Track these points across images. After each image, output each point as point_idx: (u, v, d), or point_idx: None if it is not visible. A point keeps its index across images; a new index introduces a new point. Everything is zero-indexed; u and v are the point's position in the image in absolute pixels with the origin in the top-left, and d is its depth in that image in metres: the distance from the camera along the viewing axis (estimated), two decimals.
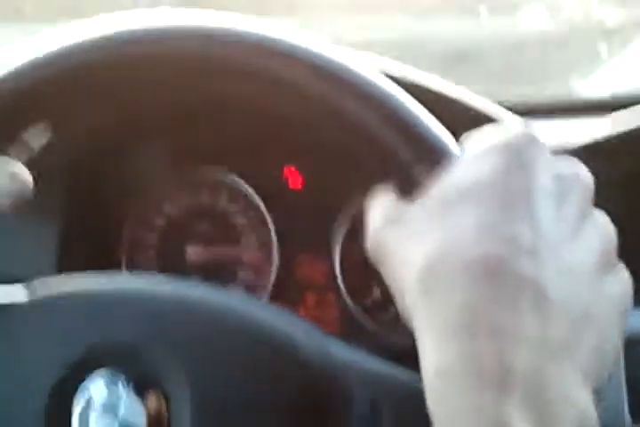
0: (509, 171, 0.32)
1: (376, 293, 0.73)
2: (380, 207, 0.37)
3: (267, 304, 0.46)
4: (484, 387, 0.28)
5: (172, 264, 0.78)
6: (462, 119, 0.50)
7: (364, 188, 0.72)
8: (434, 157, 0.36)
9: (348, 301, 0.74)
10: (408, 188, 0.36)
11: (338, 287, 0.74)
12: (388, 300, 0.71)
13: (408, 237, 0.34)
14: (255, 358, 0.41)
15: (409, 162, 0.37)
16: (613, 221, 0.35)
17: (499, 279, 0.30)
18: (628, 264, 0.35)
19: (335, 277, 0.74)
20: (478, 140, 0.35)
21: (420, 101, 0.39)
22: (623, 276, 0.34)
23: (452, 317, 0.30)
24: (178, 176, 0.78)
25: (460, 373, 0.29)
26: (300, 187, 0.76)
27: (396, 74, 0.64)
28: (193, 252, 0.77)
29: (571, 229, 0.32)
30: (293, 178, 0.76)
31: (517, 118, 0.71)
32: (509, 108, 0.72)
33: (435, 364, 0.30)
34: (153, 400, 0.39)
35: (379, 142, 0.38)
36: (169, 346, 0.40)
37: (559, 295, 0.30)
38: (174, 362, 0.40)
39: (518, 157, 0.33)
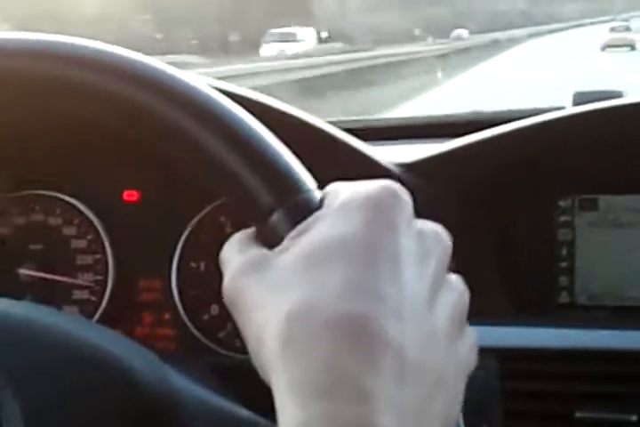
0: (374, 229, 0.32)
1: (213, 310, 0.75)
2: (241, 251, 0.36)
3: (101, 327, 0.45)
4: None
5: (4, 284, 0.76)
6: (309, 141, 0.49)
7: (202, 207, 0.74)
8: (294, 201, 0.35)
9: (185, 318, 0.75)
10: (267, 233, 0.35)
11: (175, 305, 0.75)
12: (224, 317, 0.73)
13: (270, 288, 0.33)
14: (88, 380, 0.40)
15: (268, 206, 0.35)
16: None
17: (362, 339, 0.30)
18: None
19: (172, 296, 0.75)
20: (342, 191, 0.35)
21: (273, 129, 0.37)
22: (471, 338, 0.35)
23: (313, 375, 0.29)
24: (12, 197, 0.77)
25: None
26: (136, 200, 0.77)
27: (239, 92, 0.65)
28: (26, 273, 0.76)
29: (430, 291, 0.33)
30: (131, 194, 0.77)
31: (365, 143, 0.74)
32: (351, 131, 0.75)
33: (295, 421, 0.30)
34: None
35: (235, 181, 0.36)
36: None
37: (419, 359, 0.30)
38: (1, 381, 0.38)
39: (382, 213, 0.33)
